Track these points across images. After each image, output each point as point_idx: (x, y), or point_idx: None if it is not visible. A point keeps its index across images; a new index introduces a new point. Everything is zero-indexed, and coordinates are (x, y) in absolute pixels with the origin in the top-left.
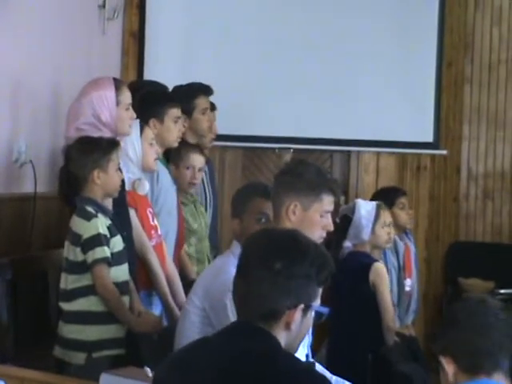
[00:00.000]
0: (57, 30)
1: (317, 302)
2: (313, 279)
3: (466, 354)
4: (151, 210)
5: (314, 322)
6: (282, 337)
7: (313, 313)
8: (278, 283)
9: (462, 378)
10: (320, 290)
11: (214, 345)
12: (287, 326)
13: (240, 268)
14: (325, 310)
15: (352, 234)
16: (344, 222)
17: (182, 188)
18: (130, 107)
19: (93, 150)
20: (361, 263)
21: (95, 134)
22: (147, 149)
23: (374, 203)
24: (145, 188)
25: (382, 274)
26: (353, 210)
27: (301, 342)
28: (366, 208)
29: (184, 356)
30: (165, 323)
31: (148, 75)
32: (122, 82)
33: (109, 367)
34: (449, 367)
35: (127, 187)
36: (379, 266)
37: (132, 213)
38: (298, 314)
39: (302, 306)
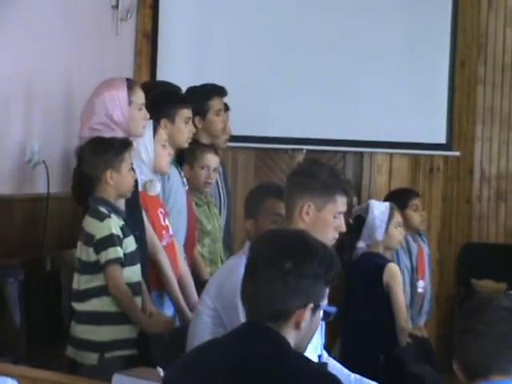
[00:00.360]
0: (70, 31)
1: (324, 302)
2: (321, 279)
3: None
4: (162, 211)
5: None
6: (291, 336)
7: (321, 312)
8: (288, 283)
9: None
10: (327, 290)
11: (224, 346)
12: (297, 326)
13: (248, 268)
14: (332, 309)
15: (366, 234)
16: (358, 222)
17: (197, 188)
18: (143, 107)
19: (105, 150)
20: (374, 264)
21: (108, 133)
22: (160, 150)
23: (387, 204)
24: (156, 189)
25: (395, 275)
26: (366, 210)
27: (310, 341)
28: (379, 208)
29: (195, 357)
30: (177, 324)
31: (161, 76)
32: (135, 82)
33: (121, 368)
34: (457, 370)
35: (140, 188)
36: (393, 266)
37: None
38: (307, 313)
39: (311, 305)
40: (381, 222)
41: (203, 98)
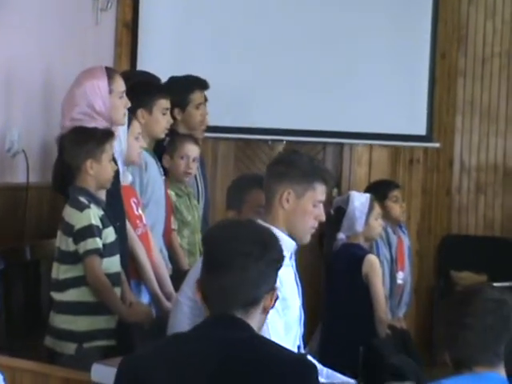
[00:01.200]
0: (50, 20)
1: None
2: (279, 264)
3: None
4: (135, 200)
5: None
6: (256, 322)
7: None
8: (261, 269)
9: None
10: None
11: (194, 339)
12: (264, 311)
13: (211, 262)
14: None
15: (346, 225)
16: (338, 213)
17: (176, 178)
18: (124, 95)
19: (87, 140)
20: (354, 255)
21: (90, 123)
22: (132, 142)
23: (367, 195)
24: (128, 178)
25: (374, 266)
26: (347, 201)
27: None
28: (359, 200)
29: (167, 350)
30: (153, 313)
31: (141, 66)
32: (114, 71)
33: (100, 358)
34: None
35: (121, 179)
36: (372, 258)
37: None
38: (273, 297)
39: (275, 289)
40: (361, 214)
41: (184, 90)
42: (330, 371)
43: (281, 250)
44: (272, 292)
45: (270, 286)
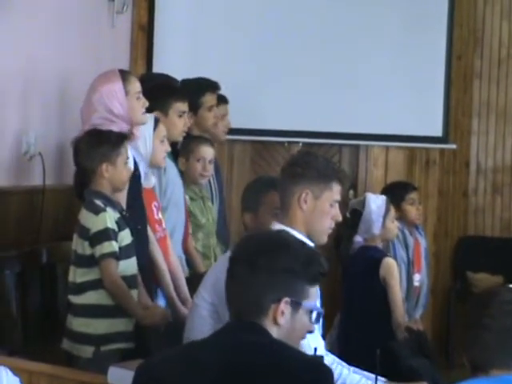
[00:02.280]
0: (66, 23)
1: (310, 301)
2: (298, 275)
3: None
4: (156, 204)
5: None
6: (273, 332)
7: (313, 315)
8: (261, 278)
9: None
10: (312, 289)
11: (213, 342)
12: (275, 321)
13: (228, 270)
14: (319, 309)
15: (363, 228)
16: (354, 216)
17: (192, 180)
18: (141, 95)
19: (102, 143)
20: (371, 258)
21: (111, 127)
22: (158, 145)
23: (383, 197)
24: (151, 181)
25: (392, 269)
26: (363, 204)
27: (298, 342)
28: (376, 202)
29: (185, 353)
30: (169, 315)
31: (157, 68)
32: (129, 72)
33: (117, 361)
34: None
35: (143, 181)
36: (390, 261)
37: None
38: (283, 308)
39: (286, 299)
40: (378, 216)
41: (196, 93)
42: (357, 370)
43: (305, 262)
44: (281, 302)
45: (276, 295)
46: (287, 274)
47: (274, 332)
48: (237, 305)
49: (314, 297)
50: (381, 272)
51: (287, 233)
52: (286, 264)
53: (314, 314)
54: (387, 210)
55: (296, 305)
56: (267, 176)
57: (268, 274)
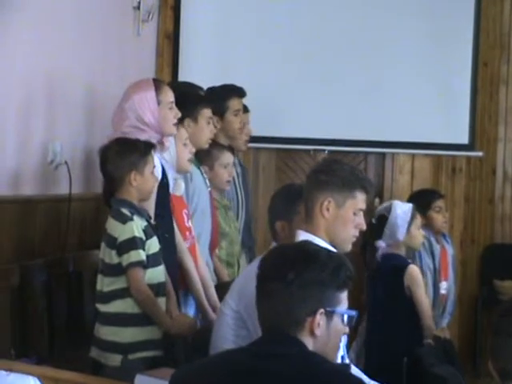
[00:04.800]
0: (91, 32)
1: (342, 306)
2: (327, 284)
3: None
4: (186, 212)
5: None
6: (309, 344)
7: (344, 318)
8: (293, 293)
9: None
10: (342, 295)
11: (247, 352)
12: (312, 334)
13: (257, 286)
14: (352, 312)
15: (387, 233)
16: (380, 221)
17: (219, 187)
18: (174, 106)
19: (130, 151)
20: (395, 266)
21: (140, 136)
22: (181, 148)
23: (410, 204)
24: (180, 189)
25: (416, 277)
26: (389, 209)
27: (336, 350)
28: (402, 208)
29: (213, 366)
30: (199, 324)
31: (182, 76)
32: (162, 82)
33: (145, 369)
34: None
35: (171, 189)
36: (413, 269)
37: None
38: (318, 319)
39: (321, 311)
40: (403, 222)
41: (222, 98)
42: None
43: (333, 270)
44: (316, 314)
45: (310, 308)
46: (318, 285)
47: (311, 343)
48: (270, 321)
49: (344, 300)
50: (405, 281)
51: (311, 243)
52: (315, 276)
53: (346, 317)
54: (413, 217)
55: (330, 313)
56: (298, 184)
57: (299, 289)
